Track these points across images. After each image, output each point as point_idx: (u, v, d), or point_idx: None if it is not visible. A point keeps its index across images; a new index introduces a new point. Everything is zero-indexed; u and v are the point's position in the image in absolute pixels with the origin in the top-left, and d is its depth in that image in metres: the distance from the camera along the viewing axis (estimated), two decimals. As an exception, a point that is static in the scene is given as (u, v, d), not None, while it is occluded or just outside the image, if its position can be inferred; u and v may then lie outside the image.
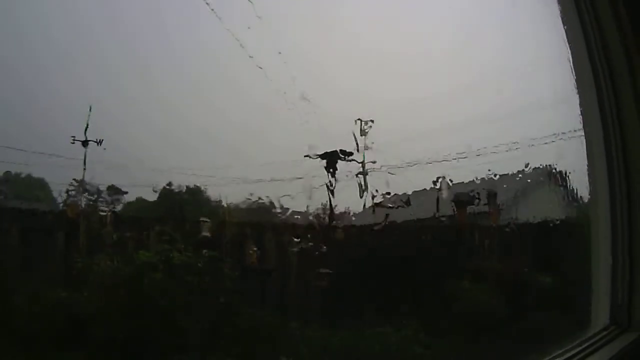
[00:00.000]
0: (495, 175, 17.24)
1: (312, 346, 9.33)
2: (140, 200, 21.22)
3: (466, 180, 18.24)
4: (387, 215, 18.30)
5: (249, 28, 12.45)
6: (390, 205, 18.78)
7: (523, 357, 7.59)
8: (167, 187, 21.48)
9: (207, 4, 11.28)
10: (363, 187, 22.43)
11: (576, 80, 2.92)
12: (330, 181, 18.94)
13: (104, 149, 16.03)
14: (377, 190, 20.35)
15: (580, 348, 2.64)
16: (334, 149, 18.38)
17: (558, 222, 12.66)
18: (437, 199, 16.21)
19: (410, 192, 19.07)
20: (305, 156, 19.37)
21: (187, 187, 22.85)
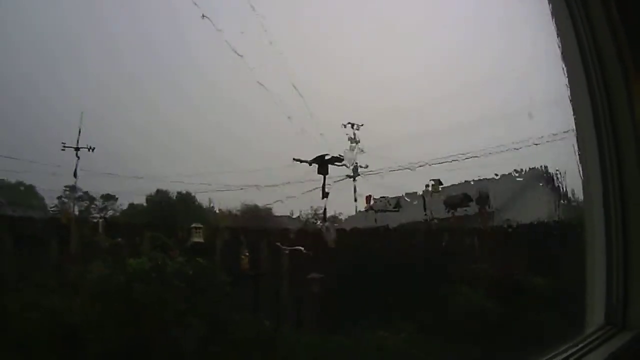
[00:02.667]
0: (488, 177, 17.27)
1: (307, 352, 9.30)
2: (132, 207, 21.09)
3: (458, 183, 18.27)
4: (378, 219, 18.29)
5: (242, 32, 12.46)
6: (381, 209, 18.78)
7: (519, 358, 7.60)
8: (159, 194, 21.38)
9: (204, 16, 11.28)
10: (354, 191, 22.29)
11: (568, 82, 2.93)
12: (322, 185, 18.90)
13: (92, 151, 15.97)
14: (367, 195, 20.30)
15: (576, 348, 2.65)
16: (326, 153, 18.35)
17: (551, 223, 12.70)
18: (429, 202, 16.24)
19: (401, 195, 19.08)
20: (294, 160, 19.33)
21: (179, 193, 22.72)
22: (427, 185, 16.77)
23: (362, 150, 24.09)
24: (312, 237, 16.02)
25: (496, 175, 17.01)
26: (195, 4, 10.05)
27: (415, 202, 19.35)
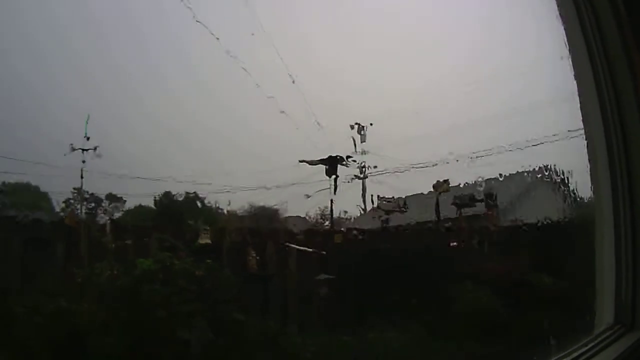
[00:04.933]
0: (495, 177, 17.21)
1: (315, 352, 9.27)
2: (139, 208, 21.18)
3: (466, 183, 18.22)
4: (386, 219, 18.27)
5: (252, 34, 12.46)
6: (388, 209, 18.76)
7: (529, 358, 7.56)
8: (166, 195, 21.47)
9: (198, 21, 11.28)
10: (362, 192, 22.28)
11: (575, 79, 2.91)
12: (330, 186, 18.91)
13: (99, 156, 15.99)
14: (375, 195, 20.31)
15: (585, 348, 2.63)
16: (335, 154, 18.39)
17: (560, 222, 12.63)
18: (437, 202, 16.22)
19: (408, 196, 19.04)
20: (300, 161, 19.35)
21: (187, 194, 22.81)
22: (435, 185, 16.76)
23: (369, 152, 24.10)
24: (321, 237, 16.02)
25: (502, 175, 16.96)
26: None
27: (422, 203, 19.34)
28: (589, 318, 3.01)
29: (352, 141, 24.02)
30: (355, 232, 16.35)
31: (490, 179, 17.11)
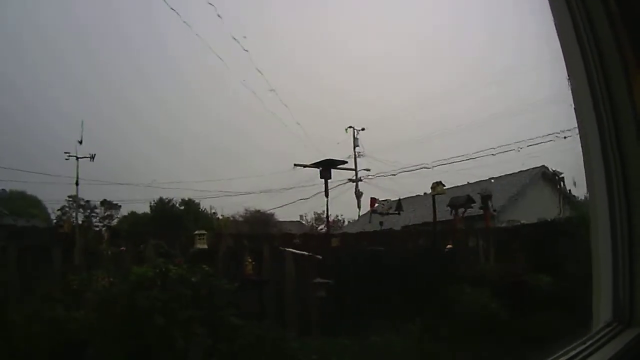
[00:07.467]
0: (493, 177, 17.26)
1: (314, 357, 9.25)
2: (134, 214, 21.20)
3: (460, 184, 18.26)
4: (381, 221, 18.31)
5: (244, 37, 12.49)
6: (383, 212, 18.82)
7: (527, 358, 7.57)
8: (161, 201, 21.47)
9: (191, 28, 11.30)
10: (356, 195, 22.45)
11: (569, 79, 2.91)
12: (325, 189, 18.94)
13: (92, 160, 15.95)
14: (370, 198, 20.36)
15: (584, 346, 2.63)
16: (328, 158, 18.42)
17: (556, 221, 12.68)
18: (433, 204, 16.25)
19: (403, 198, 19.11)
20: (295, 165, 19.42)
21: (182, 200, 22.81)
22: (431, 187, 16.77)
23: (363, 155, 24.15)
24: (317, 240, 16.04)
25: (498, 175, 17.01)
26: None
27: (417, 205, 19.39)
28: (588, 316, 3.01)
29: (346, 145, 24.04)
30: (350, 235, 16.39)
31: (487, 179, 17.22)
